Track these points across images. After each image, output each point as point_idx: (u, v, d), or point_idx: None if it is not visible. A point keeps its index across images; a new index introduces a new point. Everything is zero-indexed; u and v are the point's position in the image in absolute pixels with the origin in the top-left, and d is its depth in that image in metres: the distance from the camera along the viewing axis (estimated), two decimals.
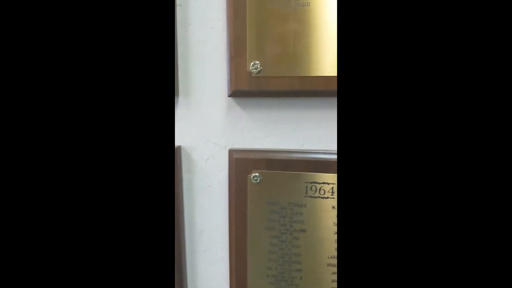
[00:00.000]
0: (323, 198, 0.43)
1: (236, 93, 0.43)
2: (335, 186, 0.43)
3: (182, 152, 0.48)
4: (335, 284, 0.45)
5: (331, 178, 0.43)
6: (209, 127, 0.47)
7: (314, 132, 0.45)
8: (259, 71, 0.41)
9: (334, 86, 0.41)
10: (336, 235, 0.44)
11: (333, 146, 0.44)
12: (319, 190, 0.43)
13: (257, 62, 0.41)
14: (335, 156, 0.43)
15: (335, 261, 0.44)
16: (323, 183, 0.43)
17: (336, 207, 0.43)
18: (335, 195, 0.43)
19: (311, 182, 0.43)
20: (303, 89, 0.41)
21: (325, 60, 0.40)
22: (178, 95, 0.47)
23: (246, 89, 0.42)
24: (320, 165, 0.43)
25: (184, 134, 0.48)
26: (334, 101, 0.43)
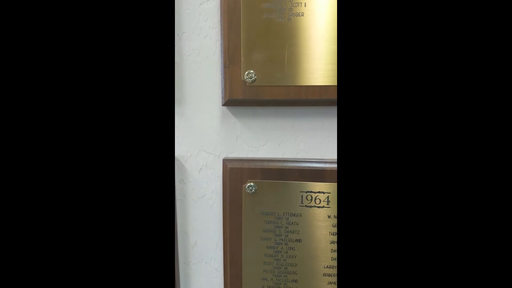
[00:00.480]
0: (318, 207, 0.43)
1: (230, 102, 0.43)
2: (331, 195, 0.43)
3: (176, 162, 0.47)
4: None
5: (327, 187, 0.43)
6: (203, 136, 0.47)
7: (309, 141, 0.45)
8: (254, 80, 0.41)
9: (328, 95, 0.41)
10: (332, 244, 0.43)
11: (328, 155, 0.44)
12: (315, 199, 0.43)
13: (252, 71, 0.41)
14: (330, 165, 0.43)
15: (331, 271, 0.44)
16: (319, 192, 0.43)
17: (331, 216, 0.43)
18: (331, 204, 0.43)
19: (307, 192, 0.43)
20: (298, 99, 0.41)
21: (320, 69, 0.40)
22: None
23: (240, 98, 0.42)
24: (315, 174, 0.43)
25: (178, 143, 0.47)
26: (328, 110, 0.43)
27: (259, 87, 0.41)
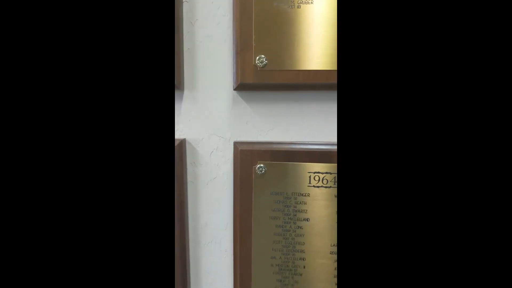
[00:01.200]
0: (326, 187, 0.45)
1: (241, 87, 0.45)
2: (337, 176, 0.44)
3: (187, 146, 0.49)
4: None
5: (334, 168, 0.44)
6: (214, 121, 0.48)
7: (317, 124, 0.46)
8: (265, 65, 0.43)
9: (335, 80, 0.43)
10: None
11: (335, 138, 0.46)
12: (322, 179, 0.45)
13: (263, 56, 0.43)
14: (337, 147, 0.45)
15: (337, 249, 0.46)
16: (326, 172, 0.45)
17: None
18: (337, 185, 0.45)
19: (314, 172, 0.45)
20: (306, 83, 0.43)
21: (328, 55, 0.42)
22: (183, 89, 0.48)
23: (251, 82, 0.44)
24: (323, 156, 0.45)
25: (189, 127, 0.49)
26: (335, 95, 0.45)
27: (269, 71, 0.43)
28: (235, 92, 0.47)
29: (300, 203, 0.45)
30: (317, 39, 0.42)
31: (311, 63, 0.43)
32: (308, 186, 0.45)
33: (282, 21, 0.42)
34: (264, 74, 0.43)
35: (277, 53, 0.43)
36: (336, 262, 0.46)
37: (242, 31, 0.43)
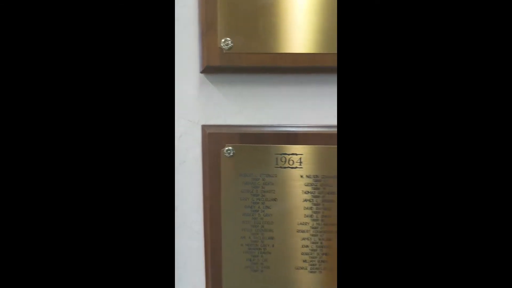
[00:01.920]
0: (292, 168, 0.46)
1: (208, 69, 0.45)
2: (303, 157, 0.46)
3: None
4: (305, 250, 0.48)
5: (300, 149, 0.46)
6: (182, 104, 0.48)
7: (284, 107, 0.47)
8: (230, 47, 0.43)
9: (302, 63, 0.44)
10: (304, 202, 0.47)
11: (302, 121, 0.47)
12: (289, 161, 0.46)
13: (228, 38, 0.43)
14: (303, 129, 0.46)
15: (304, 227, 0.47)
16: (292, 154, 0.46)
17: (304, 176, 0.46)
18: (303, 165, 0.46)
19: (281, 154, 0.46)
20: (273, 65, 0.44)
21: (295, 38, 0.43)
22: None
23: (217, 65, 0.44)
24: (289, 138, 0.46)
25: None
26: (302, 78, 0.46)
27: (235, 54, 0.43)
28: (202, 75, 0.47)
29: (268, 184, 0.47)
30: (285, 23, 0.43)
31: (277, 46, 0.43)
32: (276, 167, 0.46)
33: (248, 2, 0.42)
34: (230, 56, 0.43)
35: (243, 35, 0.43)
36: (303, 240, 0.48)
37: (208, 14, 0.43)
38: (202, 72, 0.45)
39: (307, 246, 0.48)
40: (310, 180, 0.46)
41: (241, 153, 0.46)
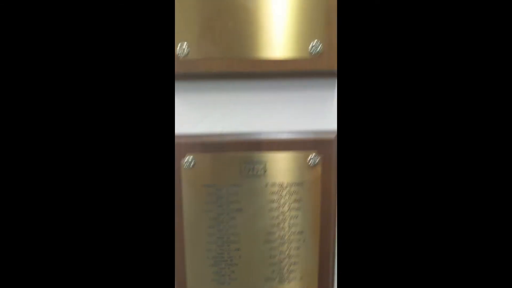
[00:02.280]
0: (256, 176, 0.45)
1: None
2: (267, 164, 0.45)
3: None
4: (273, 260, 0.47)
5: (263, 157, 0.44)
6: None
7: (246, 114, 0.46)
8: (187, 53, 0.41)
9: (261, 68, 0.42)
10: (270, 212, 0.45)
11: (265, 127, 0.46)
12: (253, 169, 0.45)
13: (185, 43, 0.41)
14: (266, 136, 0.45)
15: (271, 237, 0.46)
16: (256, 162, 0.44)
17: (268, 184, 0.45)
18: (267, 173, 0.45)
19: (245, 162, 0.44)
20: (233, 71, 0.42)
21: (254, 43, 0.42)
22: None
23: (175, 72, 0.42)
24: (252, 145, 0.44)
25: None
26: (262, 84, 0.45)
27: (192, 60, 0.41)
28: None
29: (233, 194, 0.45)
30: (242, 26, 0.41)
31: (238, 51, 0.42)
32: (240, 176, 0.45)
33: (205, 6, 0.41)
34: (187, 63, 0.41)
35: (199, 40, 0.41)
36: (271, 250, 0.46)
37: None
38: None
39: (275, 256, 0.46)
40: (275, 189, 0.45)
41: (203, 163, 0.44)
